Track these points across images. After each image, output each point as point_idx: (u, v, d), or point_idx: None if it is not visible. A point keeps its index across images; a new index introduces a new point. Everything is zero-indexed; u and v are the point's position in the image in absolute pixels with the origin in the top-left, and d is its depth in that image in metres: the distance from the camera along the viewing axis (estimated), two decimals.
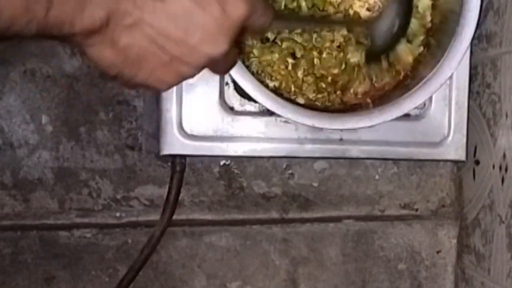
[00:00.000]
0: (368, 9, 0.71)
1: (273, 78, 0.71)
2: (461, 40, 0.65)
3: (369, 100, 0.71)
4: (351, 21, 0.71)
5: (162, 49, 0.44)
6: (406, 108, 0.65)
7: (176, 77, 0.47)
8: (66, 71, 0.78)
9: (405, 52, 0.72)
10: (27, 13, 0.38)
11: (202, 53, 0.45)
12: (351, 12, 0.71)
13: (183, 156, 0.75)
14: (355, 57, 0.71)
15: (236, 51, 0.52)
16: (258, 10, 0.48)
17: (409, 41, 0.72)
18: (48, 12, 0.38)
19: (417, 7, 0.72)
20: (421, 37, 0.72)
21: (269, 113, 0.71)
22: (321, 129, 0.71)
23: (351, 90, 0.72)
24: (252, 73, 0.68)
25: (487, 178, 0.75)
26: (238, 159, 0.80)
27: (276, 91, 0.69)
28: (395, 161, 0.82)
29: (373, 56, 0.71)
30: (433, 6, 0.72)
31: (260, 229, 0.82)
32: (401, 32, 0.71)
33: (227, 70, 0.55)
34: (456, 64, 0.65)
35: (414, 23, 0.71)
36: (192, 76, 0.47)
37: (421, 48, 0.72)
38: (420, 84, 0.66)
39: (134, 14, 0.42)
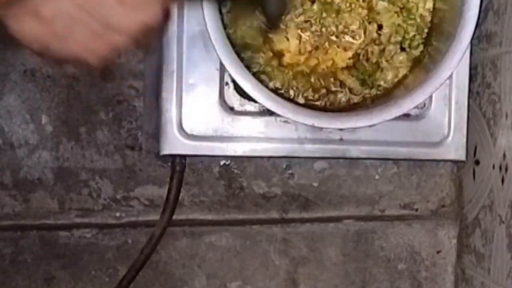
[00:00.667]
0: None
1: (273, 78, 0.71)
2: (461, 40, 0.64)
3: (367, 101, 0.71)
4: None
5: (92, 17, 0.41)
6: (406, 107, 0.65)
7: (109, 47, 0.43)
8: (66, 71, 0.78)
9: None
10: None
11: (135, 18, 0.42)
12: None
13: (183, 156, 0.75)
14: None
15: (164, 20, 0.47)
16: None
17: (408, 42, 0.72)
18: None
19: (417, 8, 0.72)
20: (421, 37, 0.72)
21: (269, 113, 0.71)
22: (321, 129, 0.71)
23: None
24: (253, 74, 0.68)
25: (487, 178, 0.75)
26: (238, 159, 0.80)
27: (276, 91, 0.69)
28: (395, 161, 0.82)
29: None
30: (434, 6, 0.72)
31: (260, 229, 0.82)
32: None
33: (154, 40, 0.51)
34: (455, 64, 0.65)
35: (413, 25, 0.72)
36: (125, 46, 0.43)
37: (421, 48, 0.72)
38: (420, 83, 0.66)
39: None
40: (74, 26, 0.41)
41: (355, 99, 0.72)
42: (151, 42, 0.49)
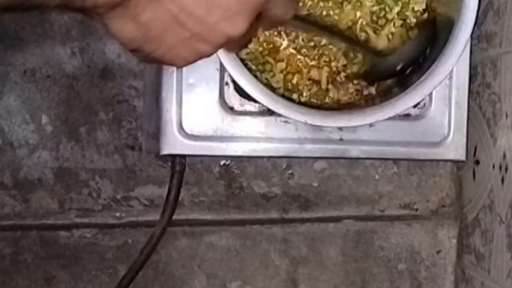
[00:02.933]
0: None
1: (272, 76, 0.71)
2: (457, 42, 0.64)
3: (362, 100, 0.71)
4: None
5: (183, 26, 0.44)
6: (399, 108, 0.65)
7: (194, 54, 0.47)
8: (66, 71, 0.78)
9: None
10: None
11: (222, 32, 0.45)
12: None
13: (183, 156, 0.75)
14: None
15: (252, 33, 0.51)
16: None
17: None
18: None
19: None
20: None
21: (269, 113, 0.71)
22: (321, 129, 0.71)
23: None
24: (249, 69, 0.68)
25: (487, 178, 0.75)
26: (238, 159, 0.80)
27: (274, 89, 0.70)
28: (395, 161, 0.82)
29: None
30: (431, 7, 0.72)
31: (260, 229, 0.82)
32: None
33: (240, 49, 0.57)
34: (451, 66, 0.65)
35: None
36: (209, 54, 0.47)
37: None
38: (415, 84, 0.65)
39: None
40: (166, 32, 0.44)
41: (352, 97, 0.72)
42: (233, 49, 0.57)
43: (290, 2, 0.50)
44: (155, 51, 0.46)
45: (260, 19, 0.48)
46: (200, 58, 0.48)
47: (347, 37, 0.71)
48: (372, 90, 0.72)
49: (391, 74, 0.71)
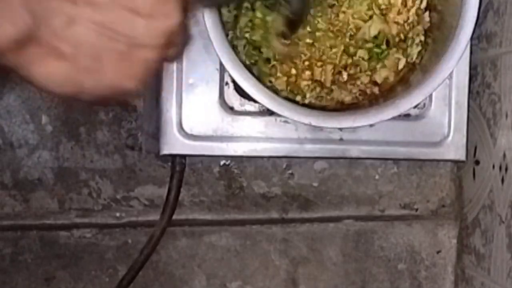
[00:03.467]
0: None
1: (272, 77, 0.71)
2: (459, 42, 0.64)
3: (365, 100, 0.71)
4: None
5: (113, 38, 0.38)
6: (403, 108, 0.65)
7: (143, 66, 0.40)
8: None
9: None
10: None
11: (157, 28, 0.39)
12: None
13: (183, 156, 0.75)
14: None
15: (187, 24, 0.44)
16: None
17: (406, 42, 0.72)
18: None
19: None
20: (420, 38, 0.72)
21: (269, 113, 0.71)
22: (321, 129, 0.71)
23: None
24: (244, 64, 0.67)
25: (487, 178, 0.75)
26: (238, 159, 0.80)
27: (275, 90, 0.69)
28: (395, 161, 0.82)
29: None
30: (432, 7, 0.72)
31: (260, 229, 0.82)
32: None
33: (183, 47, 0.47)
34: (453, 65, 0.65)
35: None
36: (159, 60, 0.41)
37: (419, 48, 0.72)
38: (418, 84, 0.65)
39: (65, 10, 0.36)
40: (100, 53, 0.38)
41: (354, 98, 0.72)
42: (182, 49, 0.46)
43: None
44: (98, 81, 0.39)
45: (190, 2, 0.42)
46: (153, 68, 0.41)
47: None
48: (375, 90, 0.72)
49: None
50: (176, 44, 0.42)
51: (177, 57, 0.45)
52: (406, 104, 0.65)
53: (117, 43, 0.38)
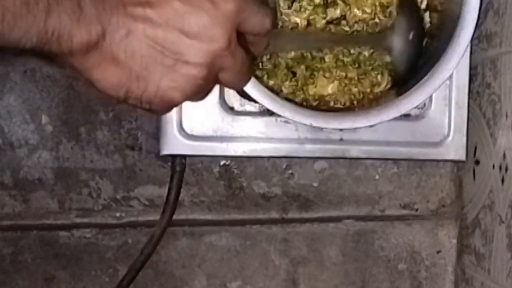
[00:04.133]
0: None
1: (272, 77, 0.71)
2: (460, 42, 0.64)
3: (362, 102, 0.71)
4: (372, 37, 0.71)
5: (162, 53, 0.44)
6: (404, 108, 0.65)
7: (187, 81, 0.46)
8: (66, 71, 0.78)
9: None
10: (28, 15, 0.38)
11: (202, 48, 0.45)
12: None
13: (183, 156, 0.75)
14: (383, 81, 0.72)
15: (244, 55, 0.50)
16: (250, 6, 0.48)
17: None
18: (47, 17, 0.38)
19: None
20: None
21: (269, 113, 0.71)
22: (321, 129, 0.71)
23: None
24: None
25: (487, 178, 0.75)
26: (238, 159, 0.80)
27: (275, 91, 0.69)
28: (395, 161, 0.82)
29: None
30: (433, 7, 0.72)
31: (260, 229, 0.82)
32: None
33: (241, 79, 0.53)
34: (454, 65, 0.65)
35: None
36: (203, 78, 0.46)
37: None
38: (418, 85, 0.65)
39: (126, 24, 0.42)
40: (149, 65, 0.44)
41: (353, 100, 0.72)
42: (233, 80, 0.51)
43: (263, 7, 0.50)
44: (145, 90, 0.45)
45: (243, 36, 0.48)
46: (197, 84, 0.46)
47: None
48: (376, 90, 0.72)
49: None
50: (225, 68, 0.48)
51: (231, 81, 0.51)
52: (406, 104, 0.65)
53: (165, 57, 0.44)
